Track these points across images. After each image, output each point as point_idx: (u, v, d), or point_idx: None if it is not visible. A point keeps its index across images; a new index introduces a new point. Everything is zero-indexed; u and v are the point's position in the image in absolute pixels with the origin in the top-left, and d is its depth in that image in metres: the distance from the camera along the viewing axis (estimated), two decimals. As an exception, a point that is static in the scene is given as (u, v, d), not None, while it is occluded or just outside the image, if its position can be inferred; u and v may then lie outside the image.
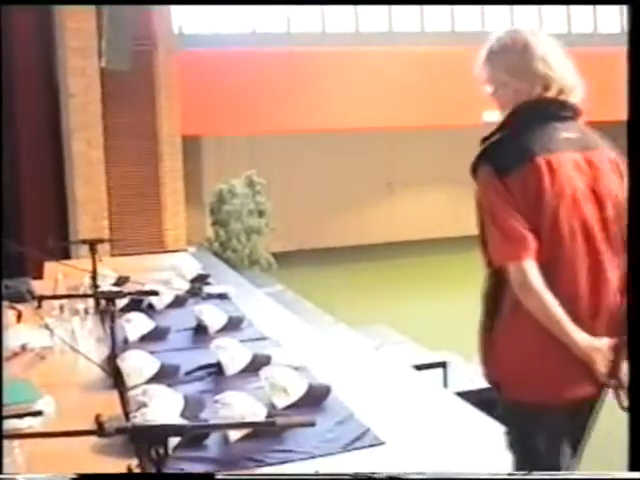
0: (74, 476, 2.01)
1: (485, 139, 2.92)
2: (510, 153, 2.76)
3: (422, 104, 14.14)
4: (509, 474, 2.80)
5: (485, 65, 2.96)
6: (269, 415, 3.09)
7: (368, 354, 5.07)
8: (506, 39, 2.91)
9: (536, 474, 2.11)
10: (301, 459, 2.90)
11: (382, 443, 3.12)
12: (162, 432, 1.94)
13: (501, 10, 14.71)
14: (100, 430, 1.91)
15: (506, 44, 2.90)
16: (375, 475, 1.96)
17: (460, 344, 8.29)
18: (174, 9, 10.73)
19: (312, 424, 2.12)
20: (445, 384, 6.64)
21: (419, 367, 6.37)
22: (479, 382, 6.63)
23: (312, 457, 2.92)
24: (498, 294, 2.81)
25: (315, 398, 3.40)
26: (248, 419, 3.01)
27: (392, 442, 3.15)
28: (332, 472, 2.66)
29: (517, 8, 14.62)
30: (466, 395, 5.50)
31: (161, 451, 1.93)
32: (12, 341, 4.09)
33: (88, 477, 2.11)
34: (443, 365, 6.80)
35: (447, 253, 14.27)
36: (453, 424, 3.76)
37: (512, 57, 2.87)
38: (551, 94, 2.85)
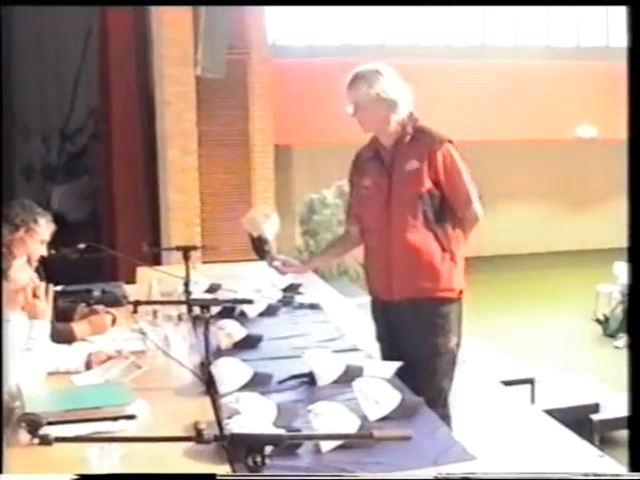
0: (75, 476, 2.01)
1: None
2: None
3: (515, 118, 14.01)
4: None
5: None
6: (361, 427, 3.06)
7: (459, 368, 5.00)
8: None
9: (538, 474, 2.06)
10: (392, 471, 2.87)
11: (472, 458, 3.08)
12: (260, 441, 1.94)
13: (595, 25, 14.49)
14: (199, 437, 1.92)
15: None
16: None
17: (550, 360, 8.20)
18: (269, 20, 10.81)
19: (408, 438, 2.10)
20: (533, 400, 6.53)
21: (508, 382, 6.28)
22: (568, 400, 6.54)
23: (402, 469, 2.89)
24: None
25: (407, 411, 3.36)
26: (340, 430, 2.99)
27: (481, 457, 3.10)
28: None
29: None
30: (554, 412, 5.43)
31: (258, 459, 1.92)
32: (107, 345, 4.15)
33: (88, 477, 2.11)
34: (531, 382, 6.69)
35: (535, 268, 14.10)
36: (540, 441, 3.70)
37: None
38: None
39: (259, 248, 4.40)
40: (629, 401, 2.50)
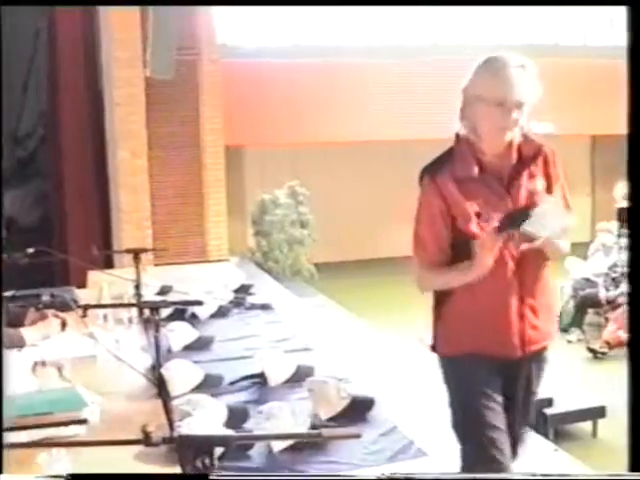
0: (68, 476, 2.01)
1: None
2: None
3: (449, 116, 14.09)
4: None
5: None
6: (313, 426, 3.07)
7: (411, 366, 5.04)
8: None
9: (538, 475, 2.08)
10: (344, 470, 2.88)
11: (425, 455, 3.10)
12: (208, 442, 1.93)
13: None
14: (147, 440, 1.91)
15: None
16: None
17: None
18: (218, 20, 10.78)
19: (358, 436, 2.11)
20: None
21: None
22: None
23: (355, 468, 2.91)
24: None
25: (359, 410, 3.38)
26: (292, 430, 3.00)
27: (435, 454, 3.13)
28: None
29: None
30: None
31: (207, 461, 1.92)
32: (57, 349, 4.12)
33: (82, 477, 2.11)
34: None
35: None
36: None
37: None
38: None
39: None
40: (629, 401, 2.55)
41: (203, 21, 10.05)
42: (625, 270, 10.13)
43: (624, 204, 14.56)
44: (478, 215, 3.13)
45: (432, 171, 3.24)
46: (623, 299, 9.41)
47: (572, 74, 13.67)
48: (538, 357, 3.31)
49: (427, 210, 3.22)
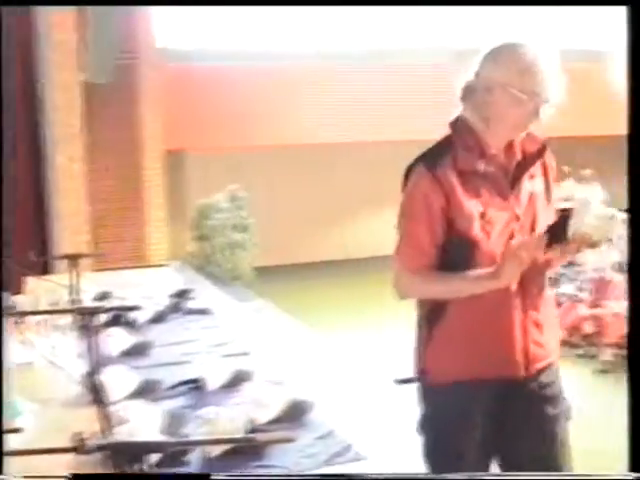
0: (69, 476, 2.01)
1: None
2: None
3: (405, 118, 14.17)
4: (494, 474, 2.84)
5: None
6: (250, 430, 3.08)
7: (350, 369, 5.07)
8: None
9: (538, 475, 2.08)
10: (281, 474, 2.89)
11: (363, 458, 3.12)
12: (142, 449, 1.93)
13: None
14: (80, 447, 1.90)
15: None
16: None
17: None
18: (158, 23, 10.73)
19: (291, 440, 2.12)
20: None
21: (404, 381, 6.34)
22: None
23: (292, 472, 2.91)
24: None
25: (296, 414, 3.39)
26: (229, 434, 3.00)
27: (373, 457, 3.14)
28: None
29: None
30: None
31: (139, 467, 1.91)
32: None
33: (83, 477, 2.10)
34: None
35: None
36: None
37: None
38: None
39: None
40: (629, 402, 2.53)
41: (142, 24, 9.99)
42: (562, 272, 10.32)
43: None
44: (482, 216, 2.79)
45: (430, 160, 2.84)
46: (563, 299, 9.60)
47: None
48: (543, 376, 2.91)
49: (423, 204, 2.80)
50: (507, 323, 2.83)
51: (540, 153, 2.94)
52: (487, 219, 2.78)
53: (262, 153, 14.47)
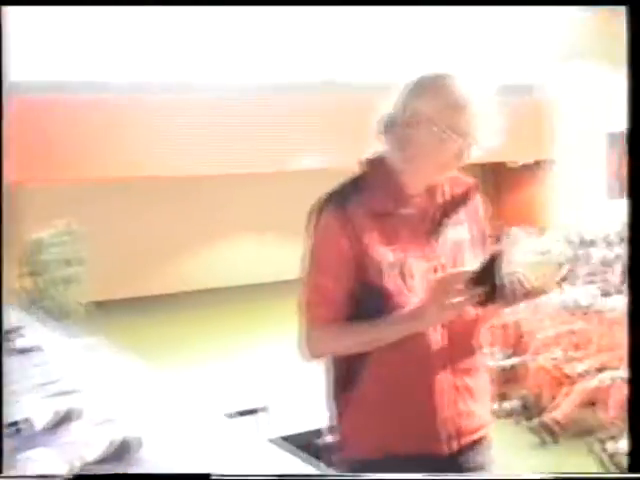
0: (69, 476, 2.02)
1: None
2: None
3: (242, 151, 14.27)
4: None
5: None
6: (81, 469, 3.05)
7: (184, 404, 5.05)
8: None
9: (538, 475, 2.05)
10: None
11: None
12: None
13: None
14: None
15: None
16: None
17: (281, 387, 8.36)
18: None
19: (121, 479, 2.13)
20: (260, 429, 6.63)
21: (237, 414, 6.36)
22: (297, 427, 6.71)
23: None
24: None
25: (125, 451, 3.38)
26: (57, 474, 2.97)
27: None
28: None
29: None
30: (284, 440, 5.57)
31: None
32: None
33: (83, 477, 2.11)
34: (255, 411, 6.77)
35: (267, 298, 14.33)
36: (268, 470, 3.80)
37: None
38: None
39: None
40: (629, 402, 2.54)
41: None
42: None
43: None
44: (397, 265, 2.49)
45: (341, 200, 2.53)
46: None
47: (344, 109, 14.11)
48: (474, 451, 2.64)
49: (333, 250, 2.50)
50: (430, 388, 2.51)
51: (466, 197, 2.67)
52: (403, 269, 2.50)
53: (100, 186, 14.29)
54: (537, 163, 16.70)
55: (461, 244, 2.64)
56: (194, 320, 13.05)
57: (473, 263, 2.50)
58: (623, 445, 6.53)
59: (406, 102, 2.53)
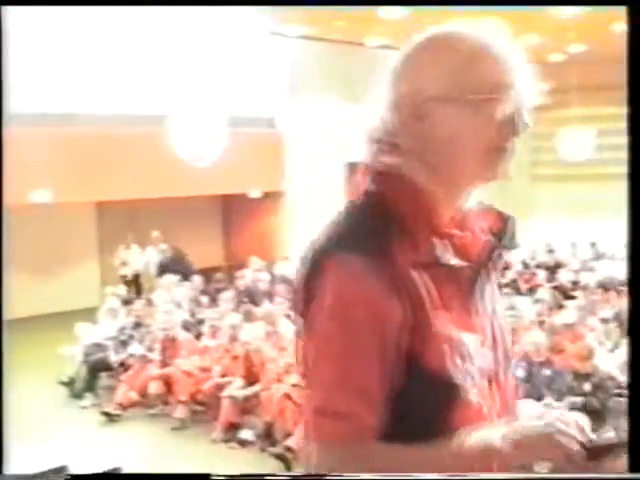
0: (68, 476, 1.89)
1: None
2: None
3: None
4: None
5: None
6: None
7: None
8: None
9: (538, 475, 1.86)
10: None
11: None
12: None
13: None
14: None
15: None
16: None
17: (23, 428, 8.00)
18: None
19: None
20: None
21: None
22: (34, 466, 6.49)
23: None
24: None
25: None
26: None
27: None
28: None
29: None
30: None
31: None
32: None
33: (81, 477, 2.10)
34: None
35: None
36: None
37: None
38: None
39: None
40: (629, 403, 2.45)
41: None
42: (132, 334, 10.37)
43: (126, 270, 15.02)
44: (456, 342, 1.62)
45: (366, 251, 1.57)
46: (132, 360, 9.61)
47: (75, 142, 13.80)
48: None
49: (368, 320, 1.55)
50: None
51: (502, 233, 1.77)
52: (461, 348, 1.64)
53: None
54: (270, 194, 16.97)
55: (495, 303, 1.81)
56: None
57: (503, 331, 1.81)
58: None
59: (409, 84, 1.64)
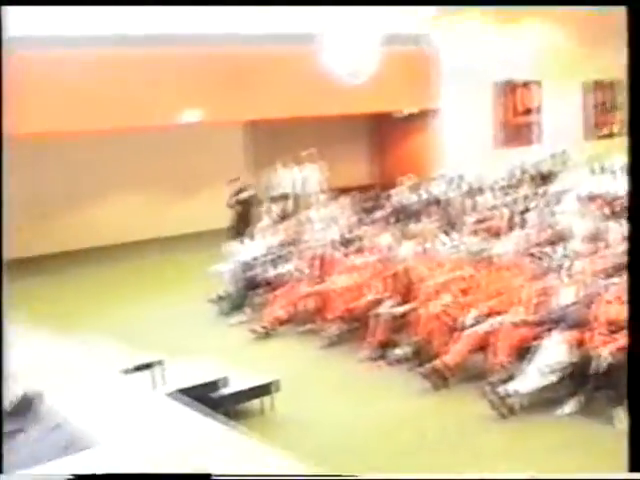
0: (70, 476, 1.99)
1: None
2: None
3: (113, 107, 13.86)
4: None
5: None
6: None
7: (80, 362, 4.98)
8: None
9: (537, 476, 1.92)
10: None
11: (96, 446, 3.09)
12: None
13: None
14: None
15: None
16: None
17: (173, 343, 8.25)
18: None
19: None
20: (155, 385, 6.55)
21: (134, 369, 6.29)
22: (193, 379, 6.68)
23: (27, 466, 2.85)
24: None
25: (26, 406, 3.31)
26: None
27: (106, 445, 3.12)
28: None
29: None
30: (182, 392, 5.55)
31: None
32: None
33: (85, 477, 2.06)
34: (150, 366, 6.65)
35: (146, 256, 14.01)
36: (165, 422, 3.78)
37: None
38: None
39: None
40: (629, 403, 2.46)
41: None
42: (282, 252, 10.44)
43: (277, 189, 15.09)
44: None
45: None
46: (283, 278, 9.69)
47: (224, 62, 13.85)
48: None
49: None
50: None
51: None
52: None
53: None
54: (422, 112, 16.76)
55: None
56: (86, 278, 12.75)
57: None
58: (513, 387, 6.59)
59: None
